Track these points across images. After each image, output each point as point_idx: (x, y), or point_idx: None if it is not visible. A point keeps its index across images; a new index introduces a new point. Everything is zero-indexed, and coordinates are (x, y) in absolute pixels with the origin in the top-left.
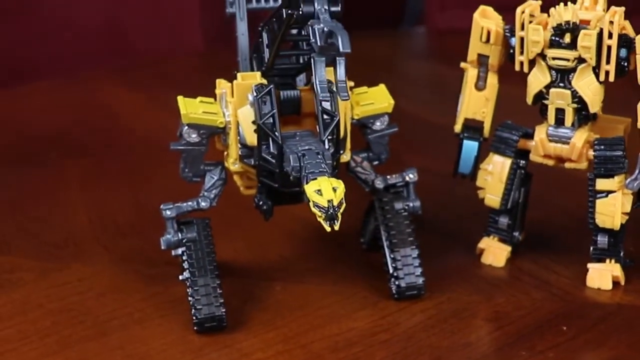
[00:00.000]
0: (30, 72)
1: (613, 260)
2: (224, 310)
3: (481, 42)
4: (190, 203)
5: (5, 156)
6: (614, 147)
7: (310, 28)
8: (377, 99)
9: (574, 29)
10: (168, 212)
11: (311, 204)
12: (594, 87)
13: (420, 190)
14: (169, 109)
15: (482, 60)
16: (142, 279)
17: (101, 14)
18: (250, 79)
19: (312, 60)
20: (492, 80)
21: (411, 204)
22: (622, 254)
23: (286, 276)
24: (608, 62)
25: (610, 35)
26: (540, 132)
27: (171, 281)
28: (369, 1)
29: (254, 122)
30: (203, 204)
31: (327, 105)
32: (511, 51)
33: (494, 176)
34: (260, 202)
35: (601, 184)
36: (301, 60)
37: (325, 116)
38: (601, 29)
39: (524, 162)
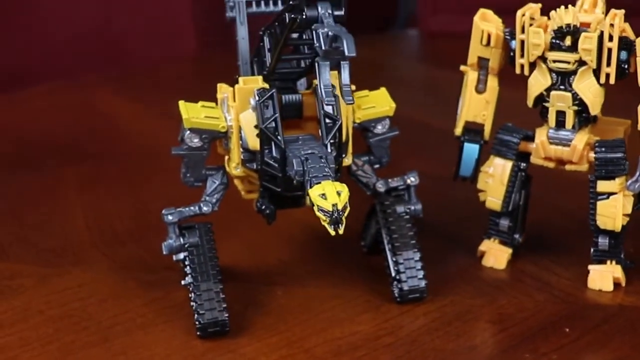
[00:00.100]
0: (25, 77)
1: (614, 262)
2: (227, 315)
3: (481, 45)
4: (192, 208)
5: (2, 162)
6: (614, 149)
7: (314, 32)
8: (378, 103)
9: (575, 31)
10: (170, 217)
11: (315, 208)
12: (594, 90)
13: (418, 193)
14: (165, 114)
15: (482, 63)
16: (143, 285)
17: (94, 20)
18: (252, 83)
19: (316, 64)
20: (493, 83)
21: (412, 207)
22: (622, 255)
23: (287, 280)
24: (609, 64)
25: (610, 38)
26: (541, 134)
27: (172, 286)
28: (360, 4)
29: (256, 127)
30: (205, 208)
31: (329, 109)
32: (511, 54)
33: (495, 179)
34: (263, 207)
35: (602, 185)
36: (302, 65)
37: (327, 120)
38: (601, 32)
39: (524, 164)
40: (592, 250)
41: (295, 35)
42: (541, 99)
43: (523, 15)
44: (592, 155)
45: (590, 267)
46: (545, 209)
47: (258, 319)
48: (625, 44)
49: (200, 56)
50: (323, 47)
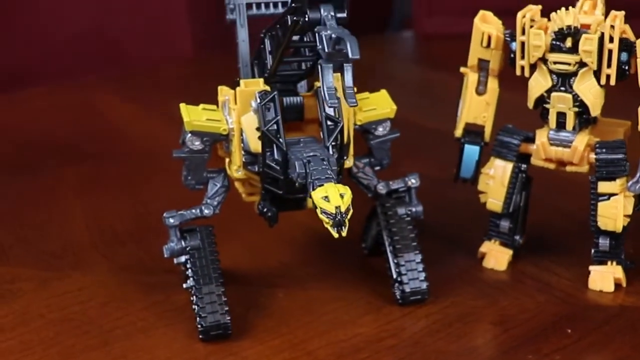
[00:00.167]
0: (23, 78)
1: (614, 263)
2: (229, 318)
3: (482, 47)
4: (193, 211)
5: (0, 163)
6: (615, 150)
7: (317, 34)
8: (379, 105)
9: (575, 33)
10: (171, 220)
11: (318, 210)
12: (595, 91)
13: (417, 194)
14: (163, 116)
15: (482, 65)
16: (143, 288)
17: (93, 21)
18: (254, 85)
19: (319, 66)
20: (493, 84)
21: (413, 209)
22: (623, 256)
23: (288, 282)
24: (609, 66)
25: (611, 39)
26: (542, 136)
27: (172, 289)
28: (354, 6)
29: (257, 129)
30: (206, 211)
31: (331, 111)
32: (512, 56)
33: (496, 180)
34: (265, 209)
35: (603, 186)
36: (303, 67)
37: (329, 122)
38: (602, 33)
39: (525, 166)
40: (592, 251)
41: (296, 38)
42: (542, 100)
43: (523, 16)
44: (592, 156)
45: (591, 267)
46: (545, 210)
47: (260, 322)
48: (626, 46)
49: (196, 58)
50: (326, 50)
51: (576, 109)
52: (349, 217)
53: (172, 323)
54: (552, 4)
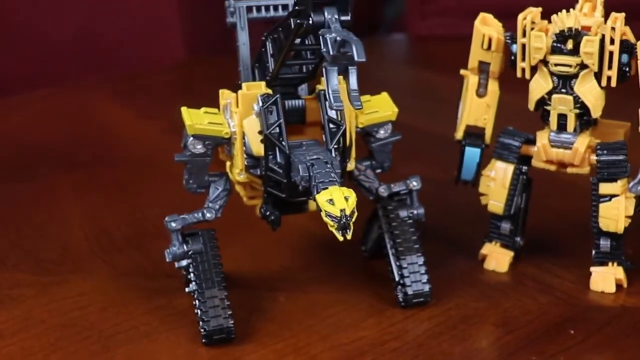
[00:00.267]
0: (15, 84)
1: (615, 264)
2: (232, 322)
3: (482, 49)
4: (195, 214)
5: None
6: (616, 151)
7: (321, 37)
8: (381, 107)
9: (577, 35)
10: (173, 224)
11: (323, 213)
12: (596, 93)
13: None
14: (157, 120)
15: (482, 68)
16: (144, 292)
17: (83, 26)
18: (256, 88)
19: (324, 69)
20: (493, 87)
21: (415, 212)
22: (623, 257)
23: (290, 286)
24: (610, 67)
25: (612, 41)
26: (542, 137)
27: (173, 294)
28: None
29: (260, 132)
30: (208, 215)
31: (333, 114)
32: (512, 58)
33: (497, 182)
34: (268, 213)
35: (604, 188)
36: (304, 70)
37: (331, 125)
38: (603, 35)
39: (526, 167)
40: (593, 252)
41: (297, 41)
42: (542, 102)
43: (524, 19)
44: (593, 157)
45: (592, 269)
46: (545, 212)
47: (262, 326)
48: (626, 47)
49: (189, 62)
50: (331, 53)
51: (577, 111)
52: (353, 219)
53: (175, 327)
54: (550, 5)
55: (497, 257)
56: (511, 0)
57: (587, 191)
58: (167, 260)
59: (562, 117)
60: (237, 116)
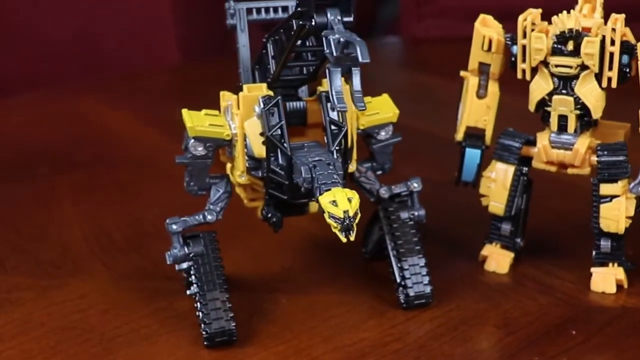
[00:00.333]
0: (9, 86)
1: (616, 264)
2: (234, 324)
3: (482, 50)
4: (196, 217)
5: None
6: (617, 152)
7: (324, 39)
8: (382, 109)
9: (577, 36)
10: (174, 227)
11: (326, 215)
12: (596, 94)
13: None
14: (153, 122)
15: (483, 69)
16: (144, 295)
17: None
18: (257, 90)
19: (327, 70)
20: (493, 88)
21: (416, 213)
22: (623, 257)
23: (290, 288)
24: (610, 68)
25: (612, 42)
26: (543, 138)
27: (174, 296)
28: None
29: (261, 134)
30: (209, 217)
31: (335, 115)
32: (512, 59)
33: (498, 183)
34: (269, 215)
35: (605, 188)
36: (305, 71)
37: (333, 127)
38: (603, 36)
39: (526, 169)
40: (594, 253)
41: (298, 42)
42: (543, 103)
43: (525, 20)
44: (594, 158)
45: (593, 269)
46: (546, 213)
47: (264, 328)
48: (627, 48)
49: (183, 64)
50: (335, 54)
51: (577, 112)
52: (357, 221)
53: (176, 330)
54: (549, 6)
55: (498, 259)
56: (508, 2)
57: (588, 192)
58: (168, 262)
59: (562, 118)
60: (238, 118)
